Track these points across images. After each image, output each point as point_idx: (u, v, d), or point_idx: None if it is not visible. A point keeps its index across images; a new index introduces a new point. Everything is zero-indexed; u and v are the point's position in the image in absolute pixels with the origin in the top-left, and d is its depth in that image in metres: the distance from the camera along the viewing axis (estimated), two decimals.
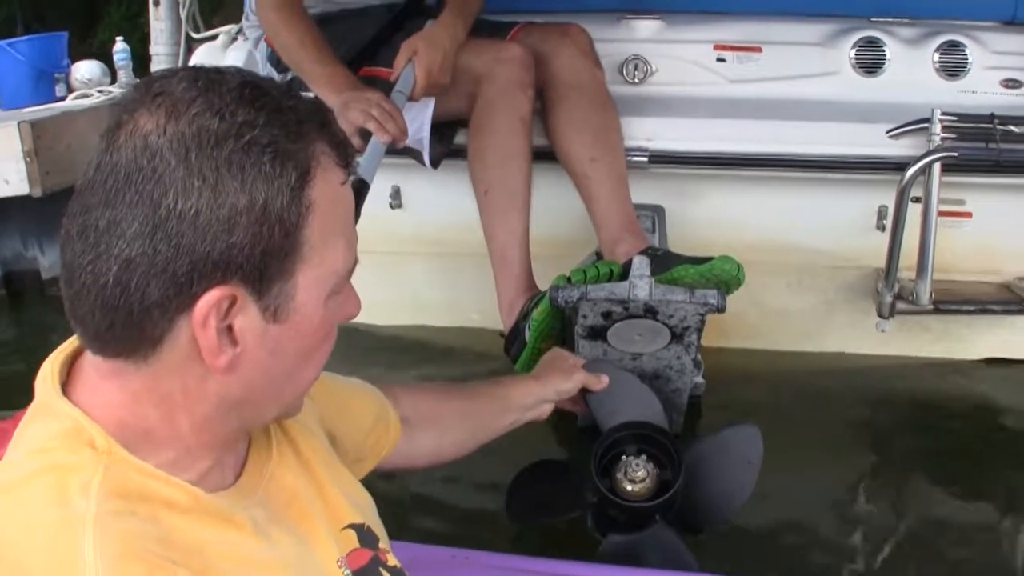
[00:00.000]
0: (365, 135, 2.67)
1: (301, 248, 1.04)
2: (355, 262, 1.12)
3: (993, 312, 3.31)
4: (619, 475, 2.10)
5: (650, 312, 2.34)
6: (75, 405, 1.05)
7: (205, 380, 1.05)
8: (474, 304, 3.69)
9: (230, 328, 1.03)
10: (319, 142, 1.07)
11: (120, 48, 5.97)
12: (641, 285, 2.32)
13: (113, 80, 5.90)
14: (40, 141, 4.45)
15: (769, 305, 3.35)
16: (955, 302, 3.25)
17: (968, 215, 3.31)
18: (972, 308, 3.28)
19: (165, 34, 4.12)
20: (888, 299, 3.20)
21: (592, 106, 2.97)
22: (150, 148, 0.99)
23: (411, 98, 2.80)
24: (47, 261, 5.03)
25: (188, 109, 1.01)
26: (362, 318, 1.20)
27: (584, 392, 2.20)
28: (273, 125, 1.02)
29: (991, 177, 3.20)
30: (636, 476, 2.09)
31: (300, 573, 1.12)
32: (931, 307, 3.18)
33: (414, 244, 3.59)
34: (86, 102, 5.26)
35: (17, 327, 4.95)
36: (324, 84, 2.81)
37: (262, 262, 1.01)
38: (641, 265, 2.35)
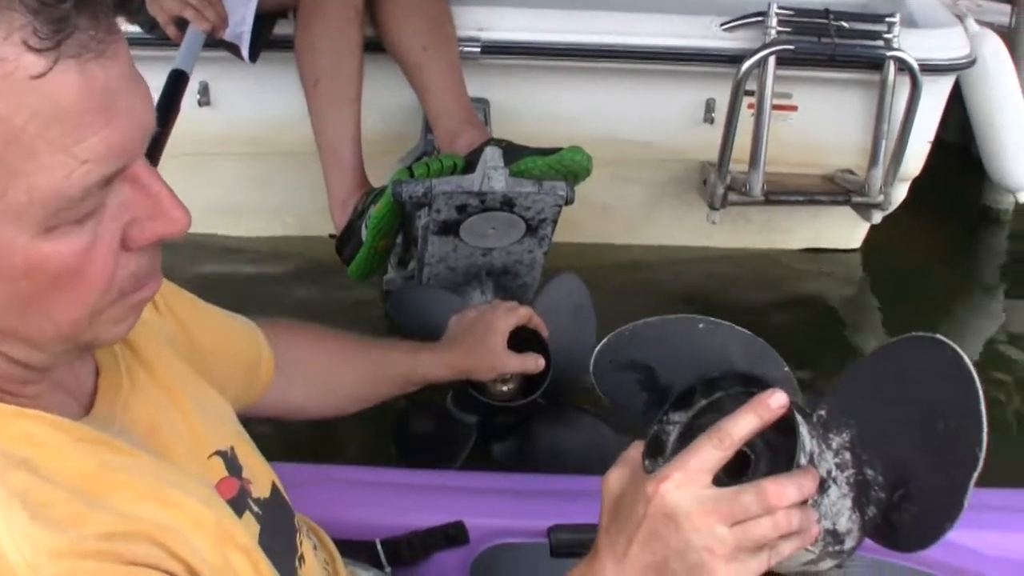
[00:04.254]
0: (182, 24, 2.56)
1: None
2: (104, 179, 0.82)
3: (821, 203, 3.41)
4: (489, 384, 2.04)
5: (507, 205, 2.27)
6: None
7: None
8: (290, 207, 3.62)
9: None
10: None
11: None
12: (496, 177, 2.24)
13: None
14: None
15: (594, 198, 3.30)
16: (785, 193, 3.32)
17: (794, 108, 3.37)
18: (801, 199, 3.36)
19: None
20: (720, 191, 3.25)
21: None
22: None
23: None
24: None
25: None
26: None
27: None
28: None
29: (817, 71, 3.26)
30: (504, 375, 2.03)
31: (193, 495, 0.96)
32: (763, 198, 3.24)
33: (224, 144, 3.43)
34: None
35: None
36: None
37: None
38: (494, 156, 2.26)
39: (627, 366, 1.22)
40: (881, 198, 3.36)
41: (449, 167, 2.40)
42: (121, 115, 0.81)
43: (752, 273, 3.71)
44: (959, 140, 4.73)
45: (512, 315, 1.92)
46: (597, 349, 1.23)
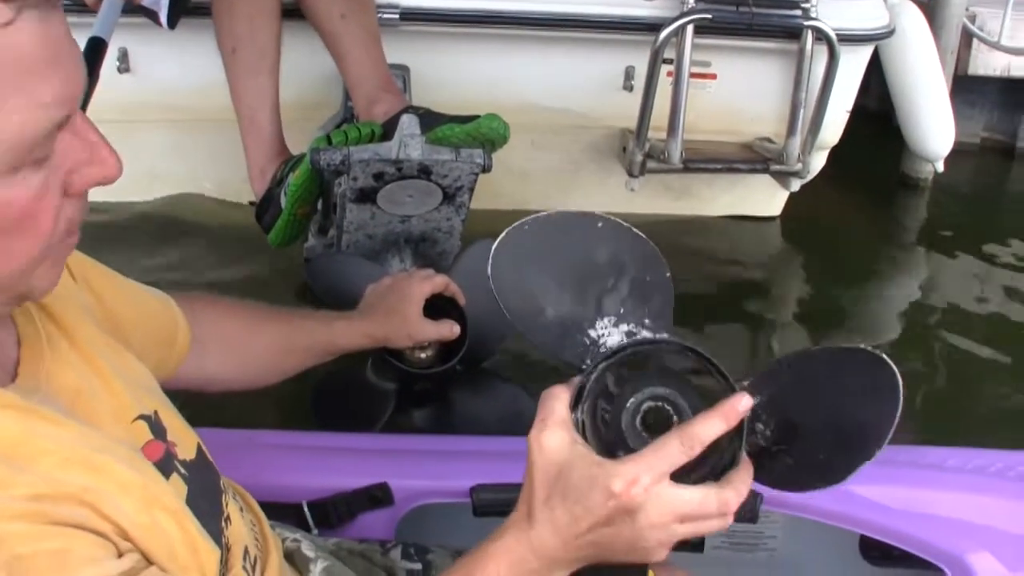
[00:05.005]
0: None
1: None
2: (60, 122, 0.85)
3: (739, 171, 3.41)
4: (407, 351, 2.03)
5: (424, 172, 2.27)
6: None
7: None
8: (210, 174, 3.59)
9: None
10: None
11: None
12: (413, 144, 2.24)
13: None
14: None
15: (513, 165, 3.32)
16: (703, 161, 3.33)
17: (713, 77, 3.37)
18: (720, 167, 3.37)
19: None
20: (639, 158, 3.25)
21: None
22: None
23: None
24: None
25: None
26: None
27: None
28: None
29: (737, 40, 3.27)
30: (421, 343, 2.03)
31: (121, 460, 0.96)
32: (681, 166, 3.24)
33: (144, 111, 3.37)
34: None
35: None
36: None
37: None
38: (411, 124, 2.27)
39: (521, 271, 1.17)
40: (799, 166, 3.37)
41: (367, 135, 2.39)
42: (68, 64, 0.84)
43: (672, 240, 3.70)
44: (879, 108, 4.79)
45: (428, 283, 1.91)
46: (496, 243, 1.17)
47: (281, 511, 1.53)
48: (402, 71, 3.06)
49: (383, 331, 1.85)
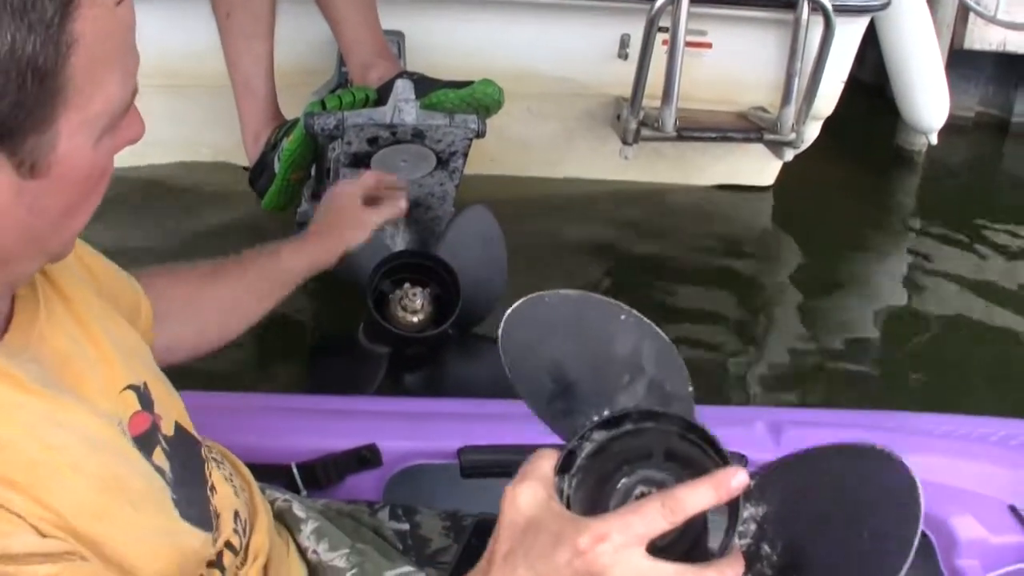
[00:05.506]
0: None
1: (61, 92, 0.85)
2: (134, 91, 0.94)
3: (733, 139, 3.41)
4: (399, 313, 2.04)
5: (418, 137, 2.28)
6: None
7: None
8: (205, 139, 3.59)
9: None
10: None
11: None
12: (407, 109, 2.25)
13: None
14: None
15: (509, 132, 3.31)
16: (697, 129, 3.33)
17: (708, 45, 3.37)
18: (714, 135, 3.37)
19: None
20: (633, 126, 3.25)
21: None
22: None
23: None
24: None
25: None
26: None
27: None
28: None
29: (732, 9, 3.28)
30: (414, 305, 2.05)
31: (86, 439, 0.96)
32: (675, 134, 3.25)
33: (139, 77, 3.32)
34: None
35: None
36: None
37: (12, 115, 0.83)
38: (405, 89, 2.27)
39: (534, 342, 1.09)
40: (793, 136, 3.38)
41: (361, 100, 2.40)
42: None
43: (665, 208, 3.74)
44: (874, 81, 4.79)
45: (355, 183, 1.92)
46: (508, 313, 1.10)
47: (270, 473, 1.54)
48: (397, 37, 3.05)
49: (332, 238, 1.84)
